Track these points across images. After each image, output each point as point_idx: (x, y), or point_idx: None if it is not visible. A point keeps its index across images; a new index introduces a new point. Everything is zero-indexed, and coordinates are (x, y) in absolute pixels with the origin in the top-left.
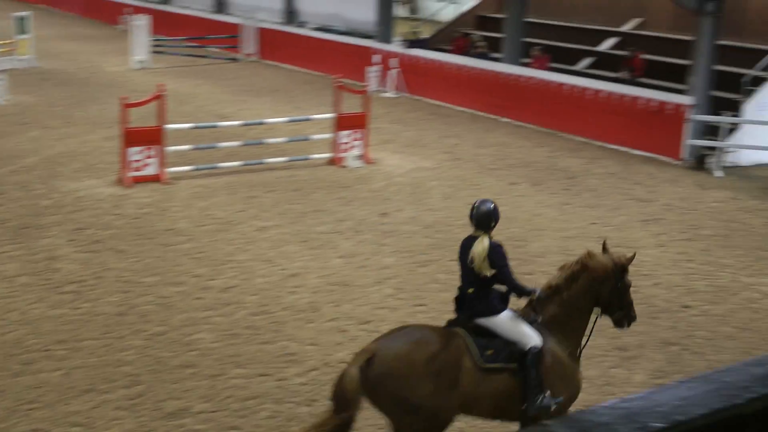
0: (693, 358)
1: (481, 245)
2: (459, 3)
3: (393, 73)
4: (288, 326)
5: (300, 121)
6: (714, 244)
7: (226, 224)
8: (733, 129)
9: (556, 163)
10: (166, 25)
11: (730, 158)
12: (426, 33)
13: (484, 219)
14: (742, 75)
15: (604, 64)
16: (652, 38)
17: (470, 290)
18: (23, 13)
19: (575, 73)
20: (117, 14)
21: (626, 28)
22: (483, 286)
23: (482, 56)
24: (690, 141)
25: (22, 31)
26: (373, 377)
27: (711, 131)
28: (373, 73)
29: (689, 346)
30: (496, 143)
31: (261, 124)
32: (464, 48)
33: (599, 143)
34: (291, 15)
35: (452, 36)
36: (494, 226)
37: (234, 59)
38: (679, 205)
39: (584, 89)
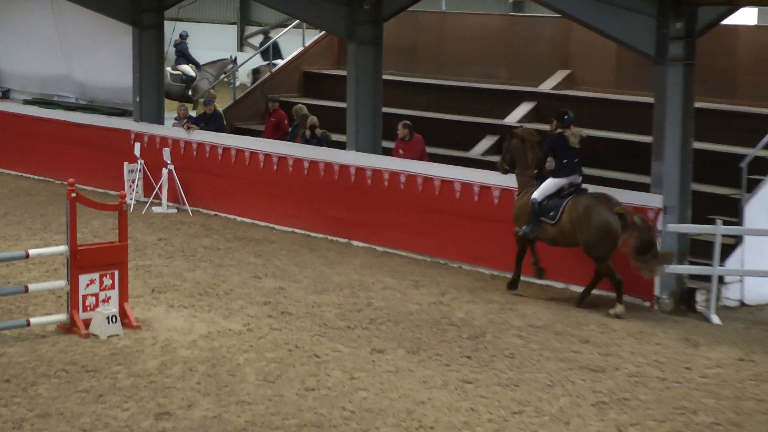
0: None
1: None
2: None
3: (166, 173)
4: None
5: (2, 260)
6: None
7: None
8: (732, 245)
9: (450, 313)
10: None
11: (731, 293)
12: (221, 103)
13: None
14: (736, 156)
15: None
16: (585, 101)
17: None
18: None
19: (470, 162)
20: None
21: (547, 86)
22: None
23: (317, 141)
24: (666, 267)
25: None
26: None
27: (699, 250)
28: (133, 173)
29: None
30: (347, 283)
31: None
32: (284, 128)
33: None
34: None
35: (264, 107)
36: None
37: None
38: (655, 374)
39: (486, 189)
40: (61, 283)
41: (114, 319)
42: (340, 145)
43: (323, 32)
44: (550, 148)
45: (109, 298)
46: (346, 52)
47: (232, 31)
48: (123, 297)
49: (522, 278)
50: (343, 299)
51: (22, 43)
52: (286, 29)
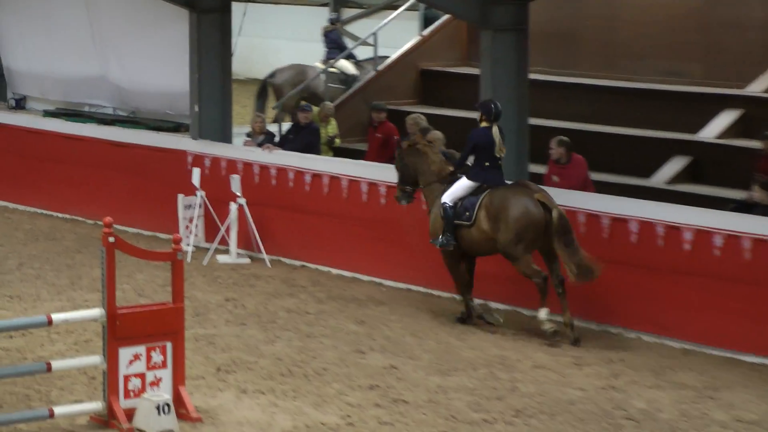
0: None
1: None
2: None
3: (235, 210)
4: None
5: (17, 328)
6: None
7: None
8: None
9: (626, 402)
10: None
11: None
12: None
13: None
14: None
15: (709, 169)
16: None
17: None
18: None
19: (651, 193)
20: None
21: (757, 88)
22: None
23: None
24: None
25: None
26: None
27: None
28: (190, 209)
29: None
30: (483, 360)
31: None
32: (394, 146)
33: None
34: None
35: (366, 119)
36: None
37: None
38: None
39: (674, 230)
40: (95, 359)
41: (166, 408)
42: None
43: (447, 16)
44: (474, 146)
45: (160, 380)
46: (478, 43)
47: (322, 14)
48: (178, 379)
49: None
50: (477, 382)
51: (42, 35)
52: (396, 12)
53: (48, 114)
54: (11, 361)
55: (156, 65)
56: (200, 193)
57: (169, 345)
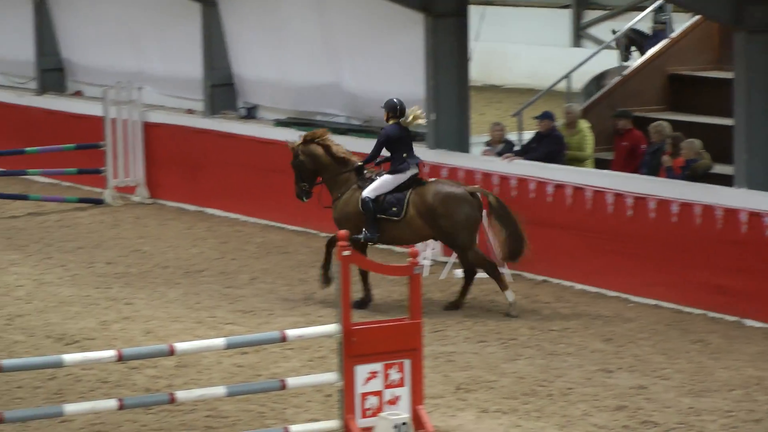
0: None
1: None
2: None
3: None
4: None
5: (251, 344)
6: None
7: None
8: None
9: None
10: None
11: None
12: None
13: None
14: None
15: None
16: None
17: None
18: None
19: None
20: None
21: None
22: None
23: (697, 175)
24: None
25: None
26: None
27: None
28: None
29: None
30: (739, 381)
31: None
32: (642, 155)
33: None
34: (230, 92)
35: (611, 126)
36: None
37: (91, 200)
38: None
39: None
40: (331, 376)
41: (405, 428)
42: (724, 180)
43: (697, 17)
44: (386, 142)
45: (398, 398)
46: (730, 46)
47: (564, 17)
48: (416, 397)
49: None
50: (733, 405)
51: (273, 43)
52: (643, 14)
53: (279, 123)
54: (245, 378)
55: (390, 72)
56: None
57: (407, 362)
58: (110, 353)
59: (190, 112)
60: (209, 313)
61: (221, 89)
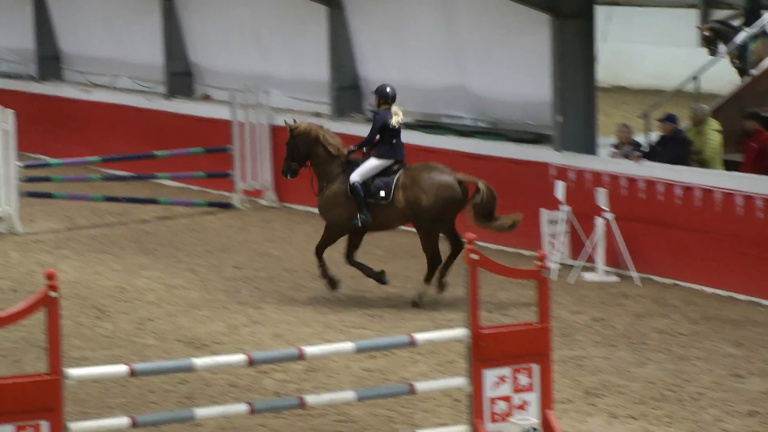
0: None
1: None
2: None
3: (602, 225)
4: None
5: (380, 348)
6: None
7: None
8: None
9: None
10: (54, 128)
11: None
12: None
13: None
14: None
15: None
16: None
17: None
18: None
19: None
20: None
21: None
22: None
23: None
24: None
25: None
26: None
27: None
28: (555, 224)
29: None
30: None
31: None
32: None
33: None
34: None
35: (741, 127)
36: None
37: (220, 204)
38: None
39: None
40: (460, 381)
41: None
42: None
43: None
44: (381, 127)
45: (527, 403)
46: None
47: (691, 17)
48: (546, 402)
49: None
50: None
51: (398, 45)
52: None
53: (406, 126)
54: (374, 382)
55: (516, 74)
56: (564, 208)
57: (535, 367)
58: (240, 357)
59: (316, 115)
60: (338, 317)
61: (347, 92)
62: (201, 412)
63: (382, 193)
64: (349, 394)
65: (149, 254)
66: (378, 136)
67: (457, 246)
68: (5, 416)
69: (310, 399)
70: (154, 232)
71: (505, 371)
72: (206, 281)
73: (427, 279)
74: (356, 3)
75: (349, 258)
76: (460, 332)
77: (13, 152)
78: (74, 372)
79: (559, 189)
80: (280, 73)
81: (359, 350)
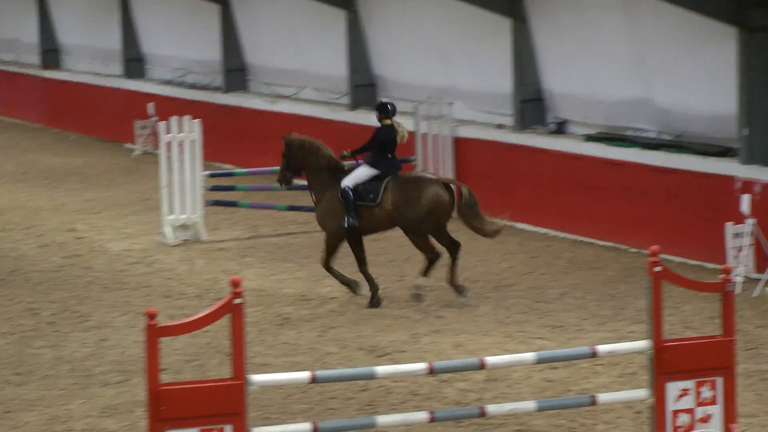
0: None
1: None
2: None
3: None
4: None
5: (561, 359)
6: None
7: None
8: None
9: None
10: (239, 138)
11: None
12: None
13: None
14: None
15: None
16: None
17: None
18: None
19: None
20: (128, 121)
21: None
22: None
23: None
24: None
25: None
26: None
27: None
28: (740, 238)
29: None
30: None
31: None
32: None
33: None
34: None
35: None
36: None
37: None
38: None
39: None
40: (642, 393)
41: None
42: None
43: None
44: (381, 141)
45: (710, 416)
46: None
47: None
48: (729, 416)
49: None
50: None
51: (582, 57)
52: None
53: (589, 138)
54: (555, 393)
55: (702, 86)
56: (750, 221)
57: (719, 380)
58: (421, 366)
59: (499, 127)
60: (519, 328)
61: (531, 104)
62: (382, 419)
63: (371, 196)
64: (529, 404)
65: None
66: (376, 149)
67: (453, 248)
68: (191, 420)
69: (491, 408)
70: None
71: (689, 384)
72: (387, 290)
73: (424, 272)
74: (541, 15)
75: (362, 270)
76: (642, 344)
77: (199, 162)
78: (257, 378)
79: (745, 202)
80: (463, 85)
81: (540, 361)
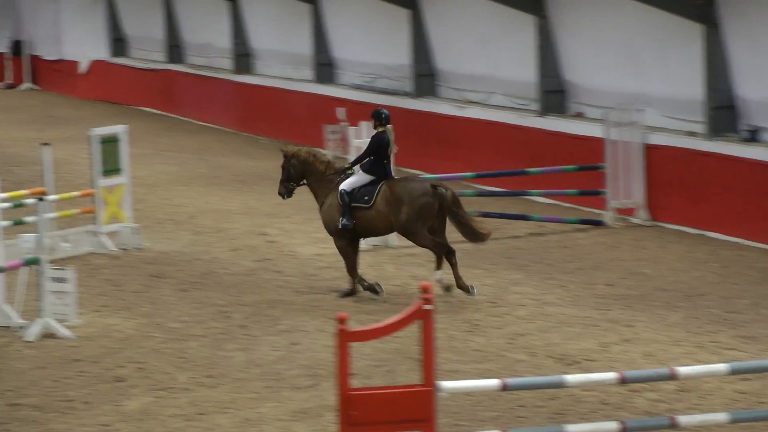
0: None
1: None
2: None
3: None
4: None
5: (753, 371)
6: None
7: None
8: None
9: None
10: (429, 143)
11: None
12: None
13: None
14: None
15: None
16: None
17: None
18: (112, 129)
19: None
20: (318, 125)
21: None
22: None
23: None
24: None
25: (112, 168)
26: None
27: None
28: None
29: None
30: None
31: None
32: None
33: None
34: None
35: None
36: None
37: (591, 222)
38: None
39: None
40: None
41: None
42: None
43: None
44: (377, 147)
45: None
46: None
47: None
48: None
49: None
50: None
51: None
52: None
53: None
54: (747, 404)
55: None
56: None
57: None
58: (612, 375)
59: (690, 134)
60: (710, 338)
61: (723, 111)
62: (571, 428)
63: (366, 198)
64: (721, 416)
65: (521, 270)
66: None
67: (448, 254)
68: (381, 425)
69: (682, 419)
70: (526, 248)
71: None
72: (577, 298)
73: (437, 266)
74: (735, 21)
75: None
76: None
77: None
78: (447, 384)
79: None
80: (654, 91)
81: (733, 372)
